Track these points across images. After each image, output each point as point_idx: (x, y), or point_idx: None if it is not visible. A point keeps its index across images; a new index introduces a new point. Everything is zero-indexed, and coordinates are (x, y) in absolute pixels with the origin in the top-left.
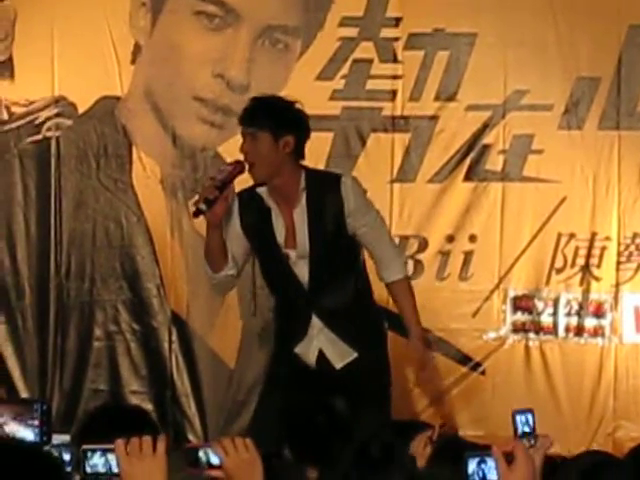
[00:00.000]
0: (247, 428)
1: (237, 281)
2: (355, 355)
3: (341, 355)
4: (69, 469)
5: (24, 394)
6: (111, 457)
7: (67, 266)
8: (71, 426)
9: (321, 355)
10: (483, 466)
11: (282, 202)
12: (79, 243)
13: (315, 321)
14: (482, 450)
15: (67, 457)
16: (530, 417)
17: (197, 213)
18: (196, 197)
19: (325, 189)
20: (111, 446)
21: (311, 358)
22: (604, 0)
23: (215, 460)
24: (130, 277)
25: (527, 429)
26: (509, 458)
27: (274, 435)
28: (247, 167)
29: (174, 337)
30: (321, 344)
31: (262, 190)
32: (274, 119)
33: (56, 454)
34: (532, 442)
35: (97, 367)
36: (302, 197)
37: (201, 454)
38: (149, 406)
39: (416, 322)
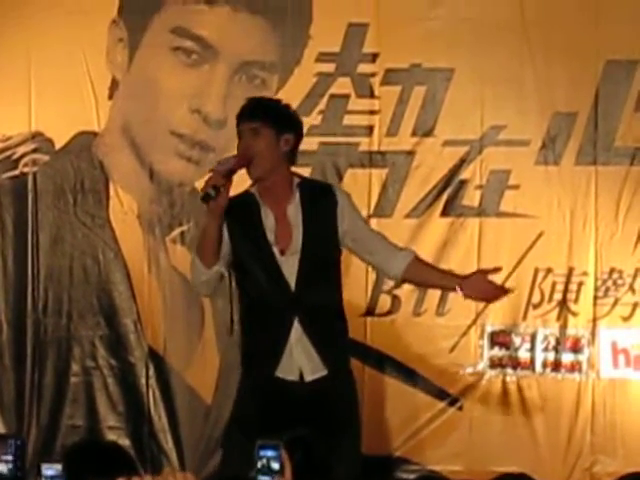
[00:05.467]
0: (218, 466)
1: (220, 285)
2: (324, 373)
3: (312, 369)
4: None
5: (1, 429)
6: None
7: (44, 301)
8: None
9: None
10: None
11: (272, 202)
12: (56, 279)
13: (296, 327)
14: None
15: None
16: None
17: (206, 198)
18: (177, 231)
19: (319, 192)
20: None
21: (293, 371)
22: (581, 36)
23: None
24: (107, 313)
25: None
26: None
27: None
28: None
29: (151, 372)
30: (300, 361)
31: (252, 191)
32: (277, 115)
33: None
34: None
35: (74, 403)
36: (295, 195)
37: None
38: (126, 442)
39: (450, 272)
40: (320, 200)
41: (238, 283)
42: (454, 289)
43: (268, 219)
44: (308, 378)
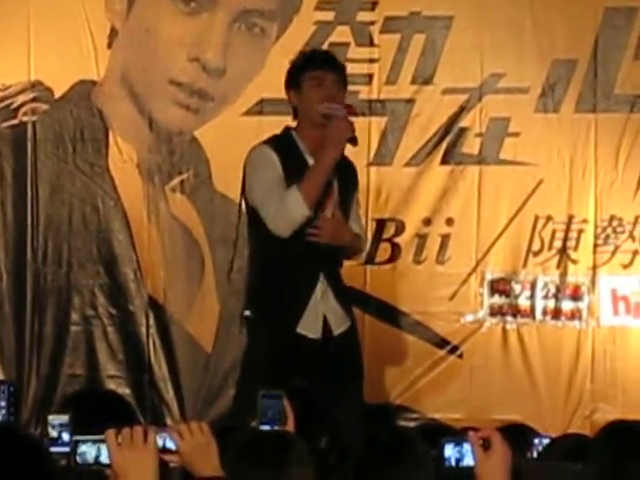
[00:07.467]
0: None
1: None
2: (349, 324)
3: (338, 322)
4: (67, 449)
5: (1, 379)
6: (102, 447)
7: (44, 251)
8: (49, 411)
9: (325, 323)
10: (459, 451)
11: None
12: (56, 228)
13: (321, 283)
14: (459, 435)
15: (67, 437)
16: None
17: (354, 141)
18: (176, 179)
19: (348, 165)
20: (102, 437)
21: (317, 328)
22: None
23: (171, 445)
24: (107, 261)
25: None
26: (485, 444)
27: None
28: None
29: (151, 321)
30: (325, 314)
31: (296, 138)
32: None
33: (55, 434)
34: None
35: (74, 352)
36: None
37: (158, 439)
38: (126, 390)
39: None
40: (349, 171)
41: (260, 234)
42: None
43: None
44: (336, 332)
